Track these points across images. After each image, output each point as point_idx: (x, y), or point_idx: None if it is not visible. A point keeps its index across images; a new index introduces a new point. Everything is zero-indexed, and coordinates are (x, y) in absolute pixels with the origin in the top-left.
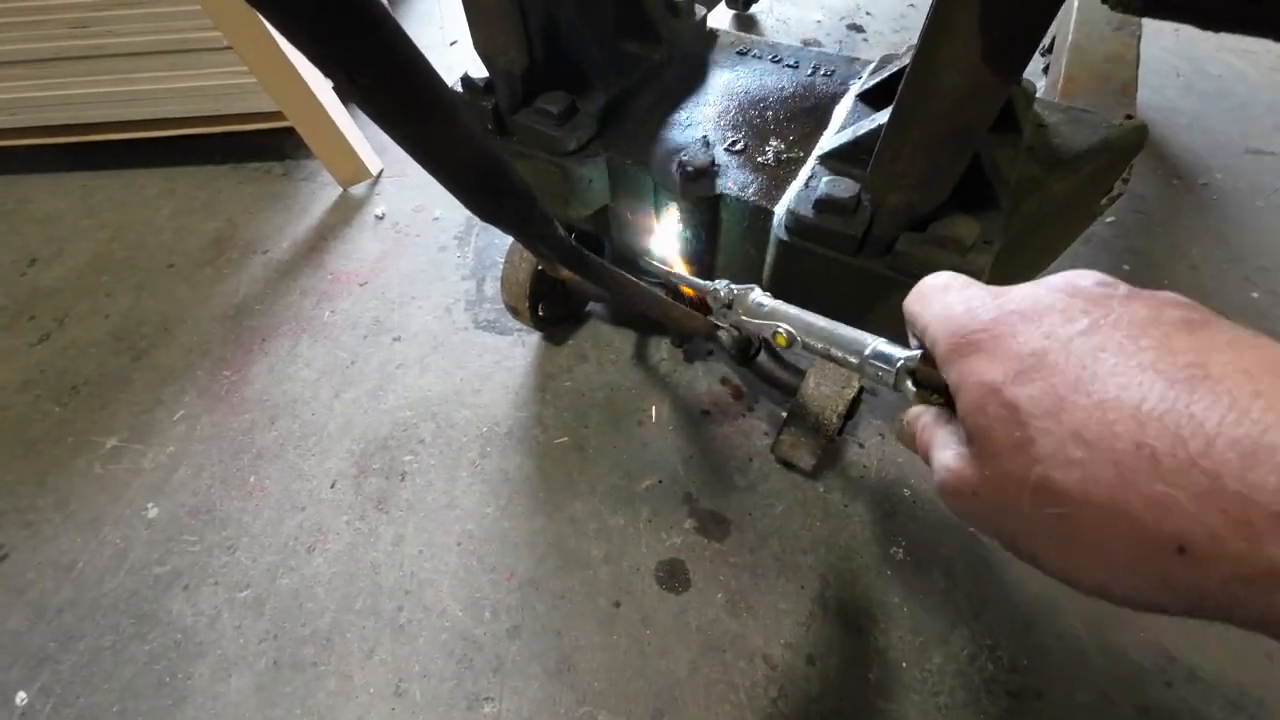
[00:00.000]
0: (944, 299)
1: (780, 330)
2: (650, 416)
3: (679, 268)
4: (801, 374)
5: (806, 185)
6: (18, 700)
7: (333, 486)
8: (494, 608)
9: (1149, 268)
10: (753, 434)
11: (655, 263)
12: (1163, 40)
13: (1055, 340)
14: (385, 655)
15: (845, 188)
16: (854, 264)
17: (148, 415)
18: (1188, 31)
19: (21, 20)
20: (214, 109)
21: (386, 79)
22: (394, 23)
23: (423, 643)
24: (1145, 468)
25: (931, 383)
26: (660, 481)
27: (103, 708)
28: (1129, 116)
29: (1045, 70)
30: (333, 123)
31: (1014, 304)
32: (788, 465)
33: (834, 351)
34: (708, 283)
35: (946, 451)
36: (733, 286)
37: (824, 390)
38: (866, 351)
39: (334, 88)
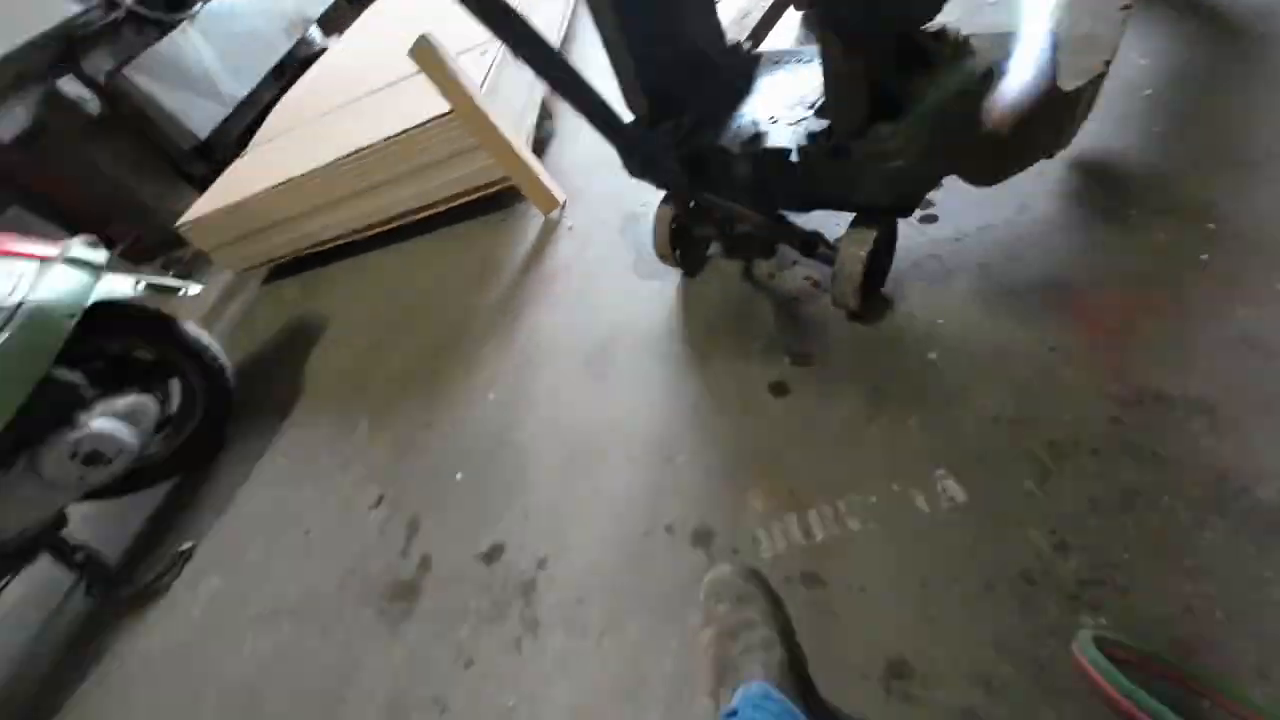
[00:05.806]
0: None
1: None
2: (756, 310)
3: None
4: None
5: (805, 131)
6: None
7: (569, 383)
8: (678, 439)
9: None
10: (827, 308)
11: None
12: None
13: None
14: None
15: (818, 125)
16: (835, 163)
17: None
18: None
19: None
20: (467, 185)
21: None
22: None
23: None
24: None
25: None
26: (768, 343)
27: None
28: (1126, 7)
29: None
30: (537, 177)
31: None
32: (850, 314)
33: None
34: None
35: None
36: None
37: (849, 250)
38: None
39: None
